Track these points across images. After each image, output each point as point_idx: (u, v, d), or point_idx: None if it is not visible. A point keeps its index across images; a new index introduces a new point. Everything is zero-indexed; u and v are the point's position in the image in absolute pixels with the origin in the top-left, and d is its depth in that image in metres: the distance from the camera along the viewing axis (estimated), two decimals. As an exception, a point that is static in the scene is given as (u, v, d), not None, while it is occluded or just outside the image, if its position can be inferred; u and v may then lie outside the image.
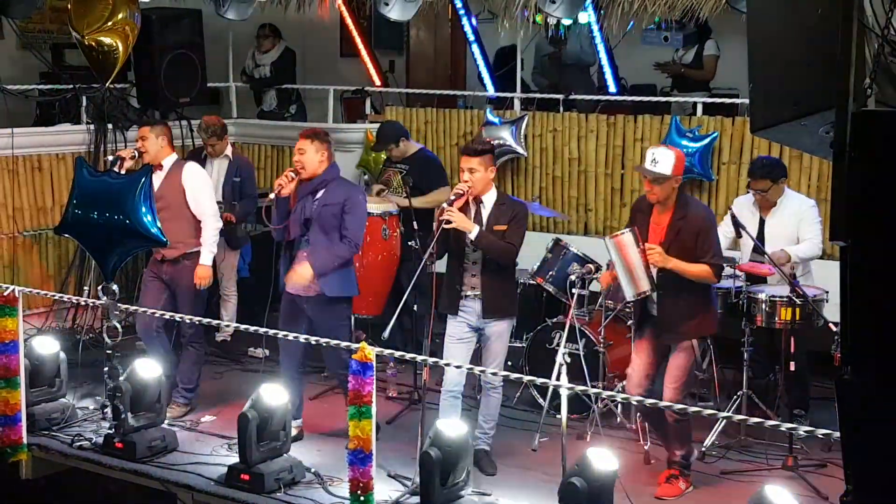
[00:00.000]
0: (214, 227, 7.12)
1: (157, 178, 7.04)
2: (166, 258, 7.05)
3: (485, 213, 6.15)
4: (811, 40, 3.26)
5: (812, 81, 3.23)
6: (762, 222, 6.89)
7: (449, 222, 5.97)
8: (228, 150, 8.45)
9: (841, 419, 3.15)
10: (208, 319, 6.85)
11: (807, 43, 3.29)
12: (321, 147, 6.50)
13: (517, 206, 6.26)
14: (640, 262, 5.79)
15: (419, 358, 5.79)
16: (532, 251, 7.07)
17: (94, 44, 8.36)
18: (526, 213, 6.29)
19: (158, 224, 6.39)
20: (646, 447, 6.32)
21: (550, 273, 7.30)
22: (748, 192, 7.01)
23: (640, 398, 5.67)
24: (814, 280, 6.87)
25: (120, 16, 8.34)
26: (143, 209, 6.30)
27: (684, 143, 8.27)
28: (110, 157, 7.63)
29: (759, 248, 6.64)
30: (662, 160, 5.80)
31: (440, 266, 6.29)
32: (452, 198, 6.07)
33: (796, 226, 6.80)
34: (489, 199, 6.19)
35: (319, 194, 6.49)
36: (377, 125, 9.09)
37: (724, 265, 6.09)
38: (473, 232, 6.03)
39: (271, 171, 10.22)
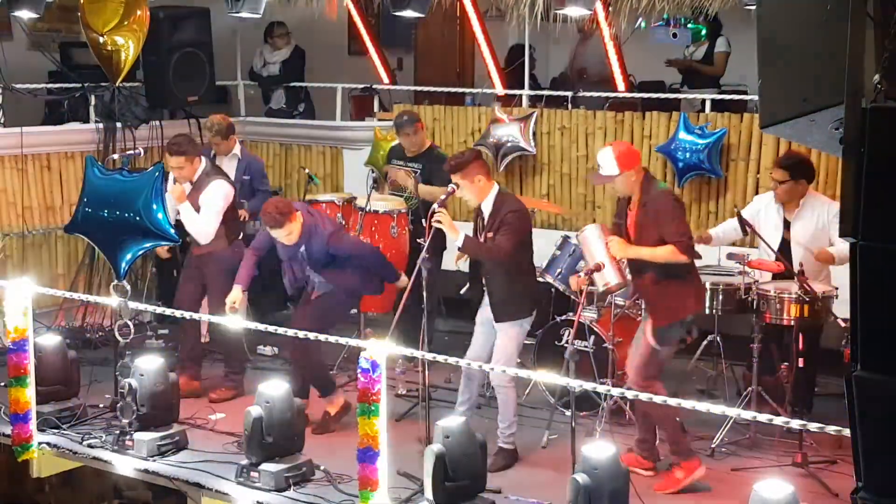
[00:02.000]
0: (205, 223, 7.29)
1: (185, 187, 7.36)
2: (193, 253, 7.44)
3: (486, 221, 6.19)
4: (820, 36, 3.25)
5: (821, 77, 3.22)
6: (787, 224, 6.79)
7: (440, 221, 6.00)
8: (237, 149, 8.45)
9: (851, 416, 3.14)
10: (217, 318, 6.86)
11: (816, 38, 3.28)
12: None
13: (508, 207, 6.18)
14: (606, 256, 5.80)
15: (427, 356, 5.78)
16: (541, 249, 7.06)
17: (106, 43, 8.38)
18: (519, 212, 6.20)
19: (171, 221, 6.43)
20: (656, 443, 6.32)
21: (559, 270, 7.29)
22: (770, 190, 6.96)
23: (649, 395, 5.65)
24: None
25: (134, 15, 8.38)
26: (156, 206, 6.31)
27: (693, 139, 8.25)
28: (115, 156, 7.66)
29: (769, 247, 6.62)
30: (605, 163, 5.88)
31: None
32: (443, 197, 6.09)
33: (823, 230, 6.66)
34: (487, 205, 6.19)
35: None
36: (385, 123, 9.08)
37: (692, 241, 5.93)
38: (459, 239, 6.03)
39: (279, 170, 10.23)
